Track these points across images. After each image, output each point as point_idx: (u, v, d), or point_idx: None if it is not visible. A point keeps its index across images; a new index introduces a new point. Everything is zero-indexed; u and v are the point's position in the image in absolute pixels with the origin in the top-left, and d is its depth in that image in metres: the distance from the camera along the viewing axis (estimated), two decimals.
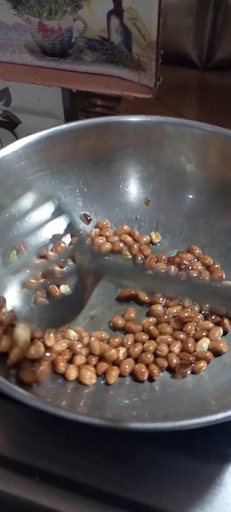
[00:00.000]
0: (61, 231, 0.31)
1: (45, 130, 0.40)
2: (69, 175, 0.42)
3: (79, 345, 0.33)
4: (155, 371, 0.31)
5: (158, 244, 0.42)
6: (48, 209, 0.31)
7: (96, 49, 0.50)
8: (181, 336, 0.34)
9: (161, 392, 0.31)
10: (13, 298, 0.29)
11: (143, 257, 0.40)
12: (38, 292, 0.34)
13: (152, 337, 0.34)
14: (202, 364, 0.32)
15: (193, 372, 0.32)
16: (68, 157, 0.42)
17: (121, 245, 0.41)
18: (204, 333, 0.34)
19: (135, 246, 0.41)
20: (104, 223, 0.43)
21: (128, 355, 0.33)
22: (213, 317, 0.35)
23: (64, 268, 0.37)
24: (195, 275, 0.38)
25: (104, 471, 0.28)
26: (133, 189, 0.45)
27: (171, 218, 0.43)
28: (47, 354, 0.31)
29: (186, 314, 0.34)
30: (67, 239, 0.35)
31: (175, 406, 0.29)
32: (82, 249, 0.30)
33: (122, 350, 0.33)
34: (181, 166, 0.43)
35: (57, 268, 0.37)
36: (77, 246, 0.31)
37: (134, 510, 0.26)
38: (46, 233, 0.32)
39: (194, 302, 0.35)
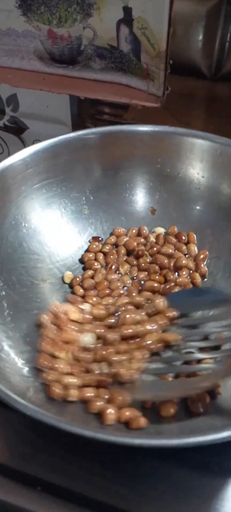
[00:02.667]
0: None
1: (53, 138, 0.40)
2: (76, 183, 0.42)
3: None
4: None
5: None
6: None
7: (105, 57, 0.50)
8: None
9: None
10: None
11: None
12: None
13: None
14: None
15: None
16: (75, 165, 0.42)
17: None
18: None
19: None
20: (121, 231, 0.43)
21: None
22: None
23: None
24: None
25: (105, 482, 0.28)
26: (139, 198, 0.44)
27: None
28: None
29: None
30: None
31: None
32: None
33: None
34: (189, 177, 0.43)
35: None
36: None
37: None
38: None
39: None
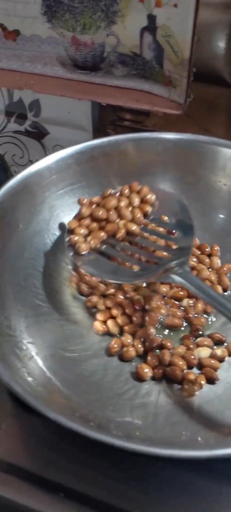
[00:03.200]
0: None
1: (78, 145, 0.40)
2: (98, 189, 0.42)
3: None
4: None
5: None
6: None
7: (127, 64, 0.51)
8: None
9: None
10: None
11: None
12: None
13: None
14: None
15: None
16: (98, 172, 0.42)
17: None
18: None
19: None
20: None
21: None
22: None
23: None
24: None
25: (127, 490, 0.27)
26: None
27: (198, 236, 0.43)
28: None
29: None
30: None
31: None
32: None
33: None
34: (211, 185, 0.43)
35: None
36: None
37: None
38: None
39: None
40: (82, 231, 0.37)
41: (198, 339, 0.34)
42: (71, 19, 0.48)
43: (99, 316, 0.36)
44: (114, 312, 0.35)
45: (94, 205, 0.39)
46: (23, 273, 0.36)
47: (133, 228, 0.38)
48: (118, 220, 0.38)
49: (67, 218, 0.41)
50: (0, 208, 0.36)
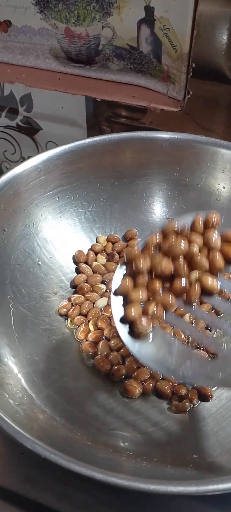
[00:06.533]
0: None
1: (67, 144, 0.38)
2: (90, 190, 0.40)
3: None
4: None
5: None
6: None
7: (123, 58, 0.48)
8: None
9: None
10: None
11: None
12: None
13: None
14: None
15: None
16: (90, 173, 0.40)
17: None
18: None
19: None
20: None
21: None
22: None
23: None
24: None
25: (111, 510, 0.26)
26: (156, 208, 0.42)
27: None
28: None
29: None
30: None
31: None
32: None
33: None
34: (209, 187, 0.41)
35: None
36: None
37: None
38: None
39: None
40: (141, 295, 0.26)
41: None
42: (64, 10, 0.45)
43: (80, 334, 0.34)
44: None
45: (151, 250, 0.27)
46: (9, 279, 0.34)
47: (211, 284, 0.26)
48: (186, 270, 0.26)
49: (57, 222, 0.39)
50: None
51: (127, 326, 0.26)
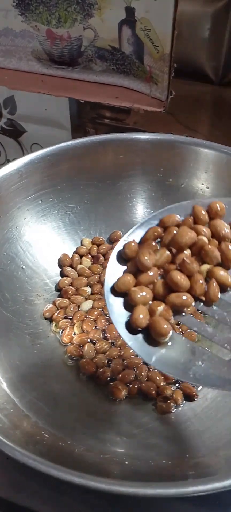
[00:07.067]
0: None
1: (50, 147, 0.37)
2: (74, 193, 0.40)
3: None
4: None
5: None
6: None
7: (106, 59, 0.48)
8: None
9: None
10: None
11: None
12: None
13: None
14: None
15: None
16: (73, 175, 0.40)
17: None
18: None
19: None
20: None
21: None
22: None
23: None
24: None
25: None
26: (140, 208, 0.42)
27: None
28: None
29: None
30: None
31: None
32: None
33: None
34: (193, 187, 0.41)
35: None
36: None
37: None
38: None
39: None
40: (146, 295, 0.22)
41: None
42: (45, 12, 0.45)
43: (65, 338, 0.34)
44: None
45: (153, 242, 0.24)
46: None
47: (225, 277, 0.22)
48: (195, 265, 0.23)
49: (41, 225, 0.39)
50: None
51: (140, 335, 0.22)
